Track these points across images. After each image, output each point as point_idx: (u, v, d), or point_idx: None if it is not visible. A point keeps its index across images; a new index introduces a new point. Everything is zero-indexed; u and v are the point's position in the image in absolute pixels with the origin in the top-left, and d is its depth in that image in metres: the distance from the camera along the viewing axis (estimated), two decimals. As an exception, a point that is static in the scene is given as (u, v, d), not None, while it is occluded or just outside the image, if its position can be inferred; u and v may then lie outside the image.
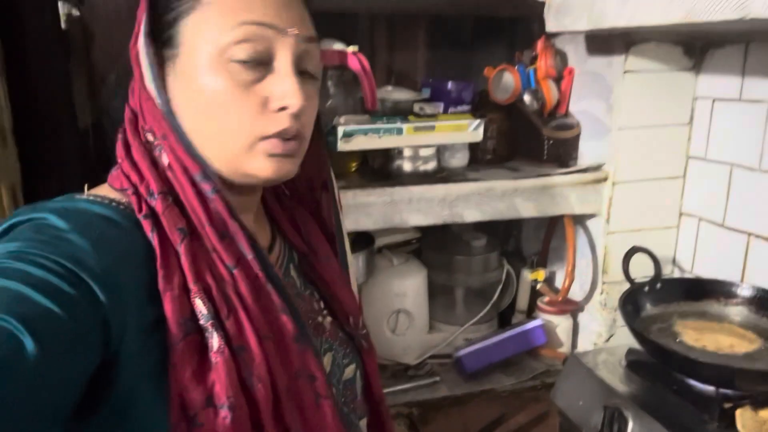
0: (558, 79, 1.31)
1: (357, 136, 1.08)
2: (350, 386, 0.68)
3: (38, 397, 0.40)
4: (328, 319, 0.68)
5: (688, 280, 1.22)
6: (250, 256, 0.56)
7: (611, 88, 1.20)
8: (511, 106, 1.34)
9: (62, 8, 1.77)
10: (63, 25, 1.80)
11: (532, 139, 1.32)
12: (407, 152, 1.17)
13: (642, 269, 1.16)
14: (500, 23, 1.50)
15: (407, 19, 1.47)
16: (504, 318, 1.44)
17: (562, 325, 1.32)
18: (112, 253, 0.49)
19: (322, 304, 0.69)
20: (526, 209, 1.20)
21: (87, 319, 0.45)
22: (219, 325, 0.51)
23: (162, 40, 0.56)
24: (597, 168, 1.24)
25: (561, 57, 1.33)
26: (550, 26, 1.11)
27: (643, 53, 1.17)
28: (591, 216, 1.28)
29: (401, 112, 1.19)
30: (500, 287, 1.36)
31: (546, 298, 1.35)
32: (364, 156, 1.26)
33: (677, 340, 1.03)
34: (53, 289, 0.43)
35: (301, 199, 0.73)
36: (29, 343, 0.40)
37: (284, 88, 0.54)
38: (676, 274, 1.30)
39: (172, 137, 0.55)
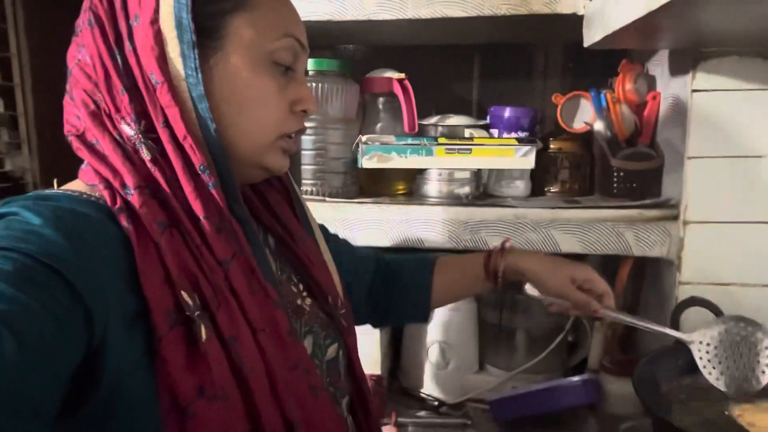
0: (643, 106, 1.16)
1: (381, 155, 1.11)
2: (334, 366, 0.68)
3: (19, 395, 0.39)
4: (308, 300, 0.68)
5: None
6: (247, 251, 0.56)
7: (685, 111, 1.02)
8: (589, 136, 1.22)
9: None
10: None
11: (603, 171, 1.17)
12: (443, 174, 1.15)
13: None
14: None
15: (490, 48, 1.44)
16: (575, 375, 1.27)
17: (623, 388, 1.11)
18: (87, 244, 0.48)
19: (301, 287, 0.68)
20: (568, 244, 1.07)
21: (65, 312, 0.44)
22: (207, 315, 0.51)
23: (200, 29, 0.54)
24: (662, 204, 1.05)
25: (648, 81, 1.17)
26: (586, 41, 1.01)
27: (720, 69, 0.98)
28: (667, 262, 1.08)
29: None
30: (562, 335, 1.21)
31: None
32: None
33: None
34: (28, 283, 0.42)
35: (269, 182, 0.72)
36: (8, 341, 0.39)
37: (306, 94, 0.62)
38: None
39: (182, 125, 0.53)
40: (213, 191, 0.54)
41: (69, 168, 0.60)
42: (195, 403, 0.48)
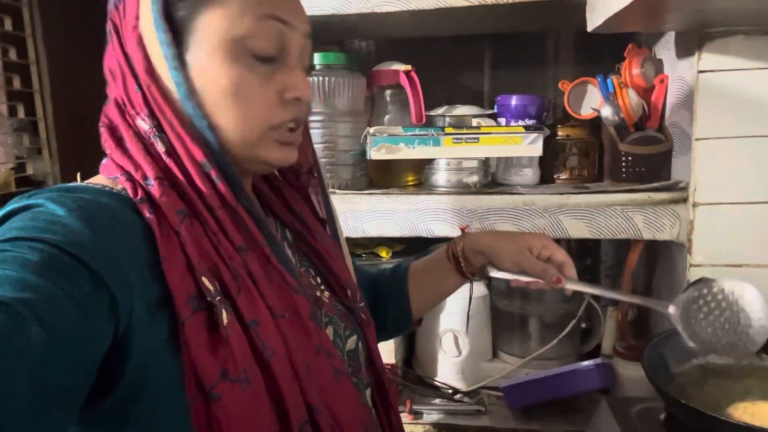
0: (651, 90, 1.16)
1: (389, 146, 1.13)
2: (354, 357, 0.68)
3: (46, 383, 0.39)
4: (326, 293, 0.69)
5: None
6: (260, 239, 0.57)
7: (692, 93, 1.02)
8: (598, 122, 1.22)
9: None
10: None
11: (612, 156, 1.17)
12: (451, 164, 1.16)
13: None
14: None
15: (500, 38, 1.45)
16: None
17: (637, 373, 1.11)
18: (110, 234, 0.49)
19: (319, 280, 0.69)
20: (576, 229, 1.08)
21: (90, 300, 0.44)
22: (228, 301, 0.52)
23: (174, 25, 0.55)
24: (671, 187, 1.05)
25: (656, 65, 1.17)
26: (589, 26, 1.01)
27: (727, 49, 0.97)
28: (678, 245, 1.07)
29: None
30: (574, 321, 1.21)
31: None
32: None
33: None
34: (54, 273, 0.43)
35: (288, 180, 0.74)
36: (35, 329, 0.39)
37: (297, 81, 0.59)
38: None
39: (178, 122, 0.55)
40: (219, 183, 0.55)
41: (89, 170, 0.61)
42: (219, 385, 0.49)
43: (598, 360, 1.13)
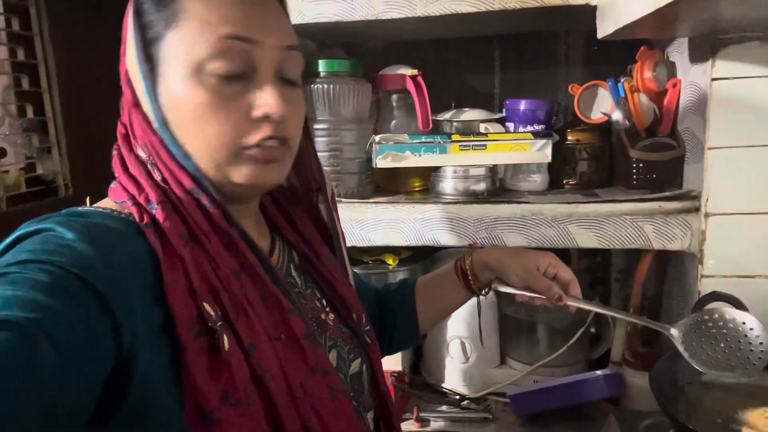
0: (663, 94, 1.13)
1: (395, 154, 1.11)
2: (357, 380, 0.68)
3: (56, 400, 0.40)
4: (331, 315, 0.69)
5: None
6: (253, 261, 0.58)
7: (705, 100, 0.99)
8: (608, 126, 1.19)
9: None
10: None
11: (622, 162, 1.15)
12: (459, 171, 1.15)
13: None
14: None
15: (509, 39, 1.42)
16: (598, 368, 1.26)
17: (645, 382, 1.10)
18: (117, 259, 0.50)
19: (324, 302, 0.69)
20: (585, 239, 1.06)
21: (98, 322, 0.45)
22: (228, 325, 0.53)
23: (147, 58, 0.57)
24: (682, 196, 1.03)
25: (669, 68, 1.14)
26: (600, 33, 0.98)
27: (741, 55, 0.95)
28: (689, 255, 1.05)
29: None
30: (583, 328, 1.20)
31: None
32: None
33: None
34: (62, 293, 0.44)
35: (298, 200, 0.75)
36: (45, 347, 0.40)
37: (265, 97, 0.56)
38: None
39: (164, 152, 0.57)
40: (211, 207, 0.56)
41: (98, 170, 0.64)
42: (219, 409, 0.50)
43: (607, 370, 1.12)
